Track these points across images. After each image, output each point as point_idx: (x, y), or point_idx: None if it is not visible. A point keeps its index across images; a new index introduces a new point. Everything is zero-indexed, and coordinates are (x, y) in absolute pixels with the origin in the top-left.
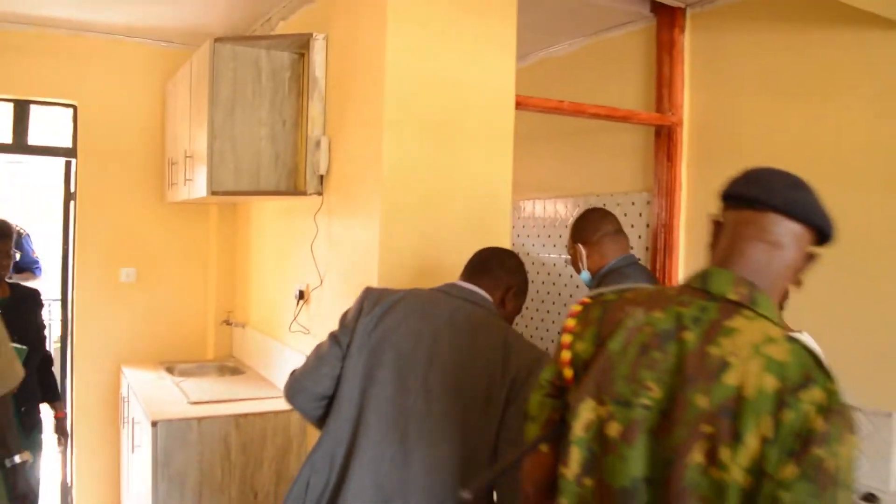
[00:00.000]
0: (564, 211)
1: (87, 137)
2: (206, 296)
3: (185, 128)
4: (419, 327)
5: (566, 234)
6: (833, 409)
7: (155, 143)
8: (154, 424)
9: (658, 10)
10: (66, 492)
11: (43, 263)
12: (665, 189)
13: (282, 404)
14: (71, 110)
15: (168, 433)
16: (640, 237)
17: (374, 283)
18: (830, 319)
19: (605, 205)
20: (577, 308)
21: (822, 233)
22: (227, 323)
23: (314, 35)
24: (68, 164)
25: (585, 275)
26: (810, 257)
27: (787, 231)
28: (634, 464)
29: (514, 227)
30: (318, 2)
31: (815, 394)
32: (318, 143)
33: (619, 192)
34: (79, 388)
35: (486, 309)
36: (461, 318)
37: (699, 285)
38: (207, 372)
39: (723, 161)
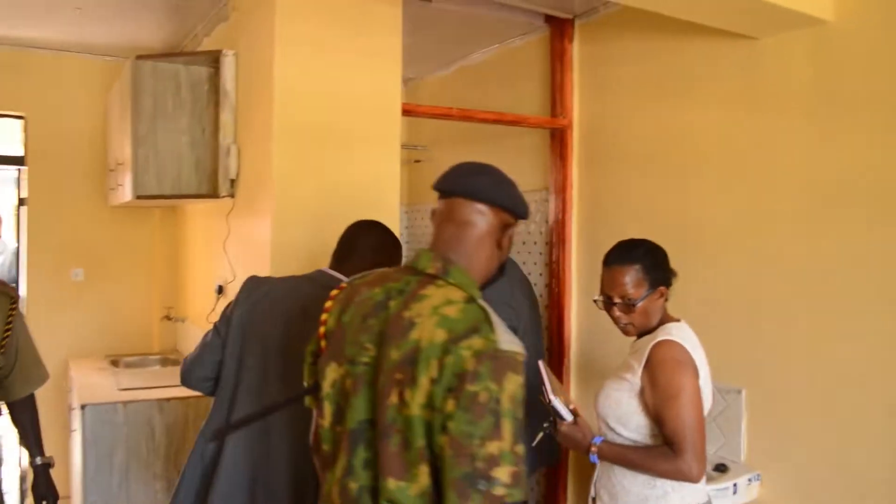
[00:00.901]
0: None
1: (36, 146)
2: (151, 293)
3: (118, 137)
4: (279, 317)
5: None
6: (487, 353)
7: (98, 150)
8: (83, 407)
9: (550, 21)
10: (23, 476)
11: None
12: (558, 187)
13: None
14: (21, 121)
15: (95, 416)
16: (540, 232)
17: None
18: (684, 305)
19: None
20: (334, 292)
21: (510, 208)
22: (168, 318)
23: (224, 52)
24: (19, 172)
25: None
26: (505, 228)
27: (472, 210)
28: (359, 409)
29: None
30: (231, 20)
31: (474, 342)
32: (227, 151)
33: (523, 190)
34: None
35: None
36: (313, 307)
37: (410, 264)
38: (150, 364)
39: (607, 160)
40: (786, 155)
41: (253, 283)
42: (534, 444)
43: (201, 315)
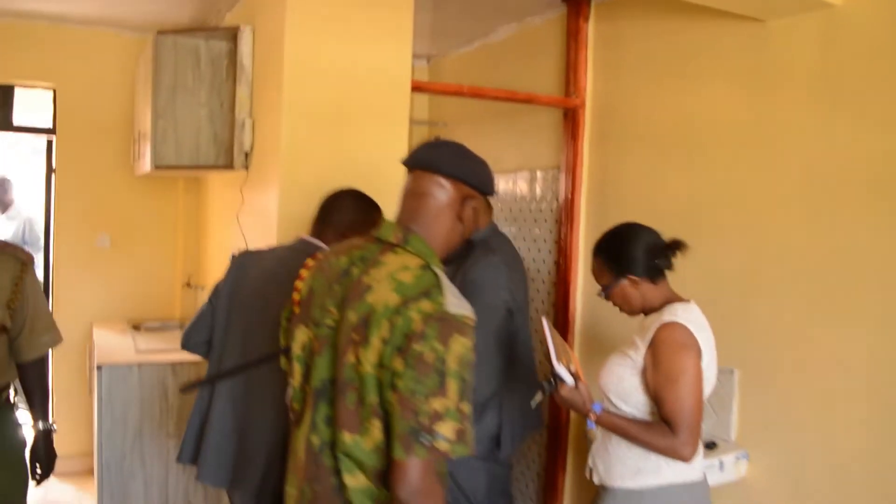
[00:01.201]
0: (502, 186)
1: (66, 117)
2: (174, 261)
3: (142, 109)
4: (261, 284)
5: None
6: (435, 315)
7: (126, 122)
8: (99, 368)
9: (568, 0)
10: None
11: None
12: (569, 166)
13: None
14: (51, 93)
15: (111, 376)
16: (552, 210)
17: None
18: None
19: (525, 180)
20: (310, 262)
21: (472, 182)
22: (188, 285)
23: (241, 27)
24: (49, 142)
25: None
26: (465, 200)
27: (432, 182)
28: (322, 369)
29: None
30: None
31: (423, 305)
32: (243, 124)
33: (537, 167)
34: None
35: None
36: (292, 273)
37: (375, 234)
38: (170, 329)
39: (617, 139)
40: (788, 138)
41: (240, 257)
42: (533, 404)
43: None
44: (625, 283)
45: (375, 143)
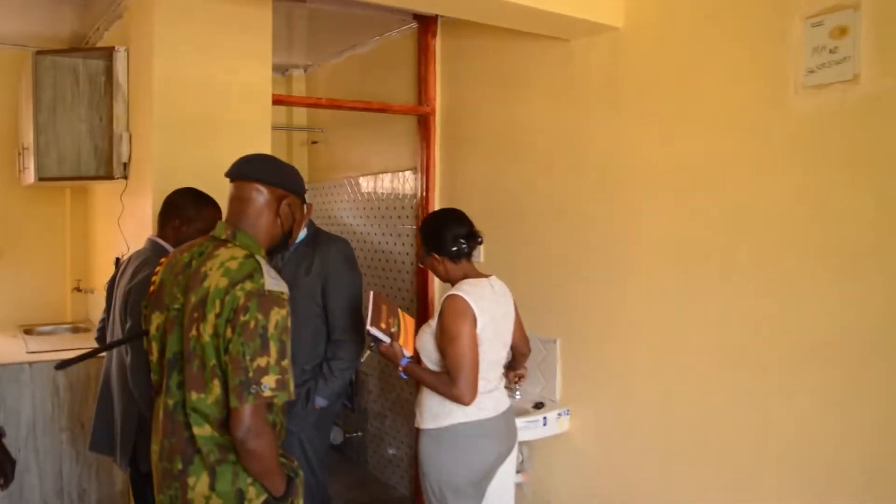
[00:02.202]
0: (367, 186)
1: None
2: (64, 267)
3: (24, 123)
4: (123, 279)
5: (370, 205)
6: (255, 293)
7: (9, 134)
8: None
9: (418, 18)
10: None
11: None
12: (423, 167)
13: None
14: None
15: (3, 375)
16: (411, 207)
17: None
18: (515, 268)
19: (388, 180)
20: (163, 259)
21: (283, 185)
22: (78, 290)
23: (116, 48)
24: None
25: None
26: (280, 199)
27: (251, 189)
28: (173, 343)
29: (343, 201)
30: (125, 18)
31: (247, 285)
32: (120, 138)
33: (398, 169)
34: None
35: (149, 250)
36: (142, 268)
37: (211, 234)
38: (61, 332)
39: (462, 143)
40: (585, 141)
41: (117, 261)
42: (360, 360)
43: (104, 286)
44: (432, 258)
45: (240, 151)
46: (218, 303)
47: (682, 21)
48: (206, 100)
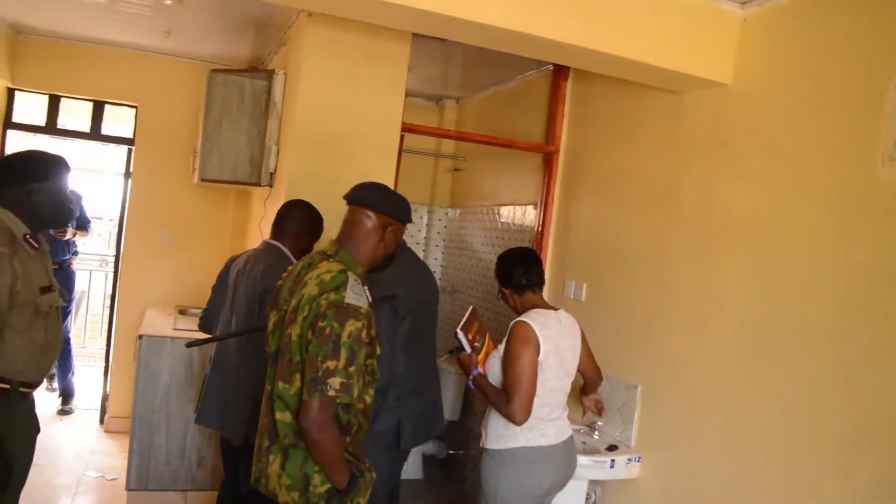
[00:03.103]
0: (495, 215)
1: (144, 131)
2: (221, 258)
3: (198, 131)
4: (238, 276)
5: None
6: (335, 304)
7: (192, 138)
8: (140, 337)
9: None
10: (104, 398)
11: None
12: (542, 203)
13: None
14: (134, 110)
15: (148, 345)
16: (529, 241)
17: None
18: (610, 309)
19: (512, 212)
20: (290, 267)
21: (390, 213)
22: None
23: (276, 71)
24: (129, 151)
25: None
26: (386, 227)
27: (360, 214)
28: (277, 340)
29: (474, 227)
30: (287, 46)
31: (330, 296)
32: (270, 150)
33: (522, 203)
34: (119, 323)
35: (272, 253)
36: (254, 267)
37: (322, 249)
38: None
39: (579, 182)
40: (686, 193)
41: (229, 260)
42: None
43: None
44: (502, 291)
45: (367, 172)
46: (307, 308)
47: (787, 82)
48: (341, 123)
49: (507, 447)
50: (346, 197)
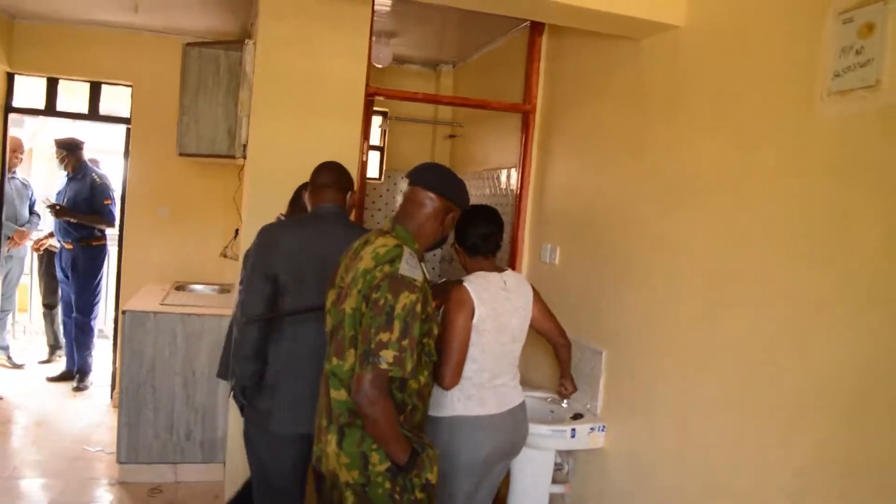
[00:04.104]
0: (483, 180)
1: (139, 109)
2: (221, 233)
3: None
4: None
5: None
6: (389, 275)
7: None
8: (123, 313)
9: None
10: (113, 374)
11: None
12: (521, 164)
13: (219, 311)
14: (129, 89)
15: (132, 320)
16: (510, 204)
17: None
18: (582, 272)
19: (498, 176)
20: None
21: (451, 198)
22: (224, 255)
23: (246, 41)
24: (128, 130)
25: None
26: (448, 212)
27: (425, 196)
28: (334, 317)
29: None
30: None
31: (385, 268)
32: (241, 121)
33: (507, 166)
34: (124, 299)
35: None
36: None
37: (380, 226)
38: (205, 291)
39: (553, 141)
40: (650, 146)
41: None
42: None
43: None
44: (454, 248)
45: (335, 129)
46: (361, 280)
47: (735, 19)
48: (304, 89)
49: (443, 415)
50: (409, 177)
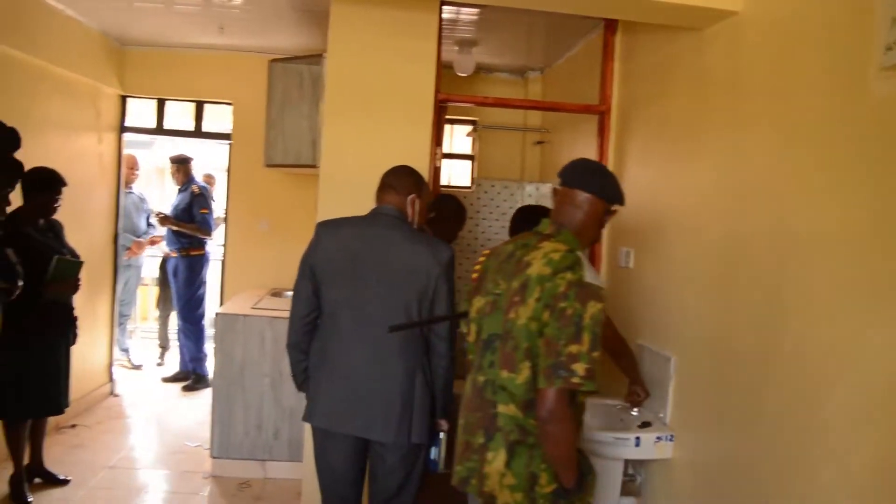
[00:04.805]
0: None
1: (239, 126)
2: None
3: None
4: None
5: None
6: (575, 283)
7: None
8: (216, 315)
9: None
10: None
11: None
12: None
13: None
14: (231, 107)
15: (223, 322)
16: None
17: None
18: (654, 275)
19: None
20: (485, 251)
21: (609, 198)
22: None
23: (323, 55)
24: (230, 146)
25: None
26: (608, 212)
27: (584, 199)
28: (491, 326)
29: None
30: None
31: (567, 275)
32: (320, 132)
33: None
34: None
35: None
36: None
37: (535, 229)
38: None
39: (628, 141)
40: (715, 140)
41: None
42: None
43: None
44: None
45: (405, 136)
46: (538, 289)
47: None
48: (373, 97)
49: None
50: (568, 179)
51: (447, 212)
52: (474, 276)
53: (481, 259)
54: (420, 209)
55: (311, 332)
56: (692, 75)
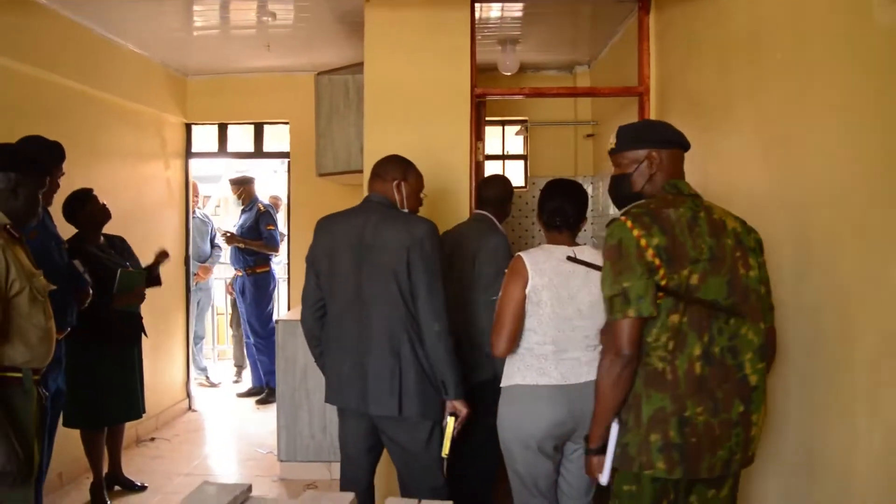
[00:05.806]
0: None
1: (297, 144)
2: None
3: None
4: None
5: None
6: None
7: None
8: (276, 322)
9: None
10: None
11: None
12: None
13: None
14: (287, 126)
15: (284, 328)
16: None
17: None
18: None
19: None
20: (625, 220)
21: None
22: None
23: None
24: (288, 163)
25: None
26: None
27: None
28: (714, 290)
29: (602, 193)
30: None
31: (754, 233)
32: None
33: None
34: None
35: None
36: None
37: (673, 191)
38: None
39: (668, 120)
40: (741, 107)
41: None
42: None
43: None
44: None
45: (442, 133)
46: (747, 238)
47: None
48: (409, 97)
49: (507, 384)
50: (673, 138)
51: (494, 190)
52: (650, 251)
53: (639, 236)
54: (408, 193)
55: (320, 320)
56: (717, 44)
